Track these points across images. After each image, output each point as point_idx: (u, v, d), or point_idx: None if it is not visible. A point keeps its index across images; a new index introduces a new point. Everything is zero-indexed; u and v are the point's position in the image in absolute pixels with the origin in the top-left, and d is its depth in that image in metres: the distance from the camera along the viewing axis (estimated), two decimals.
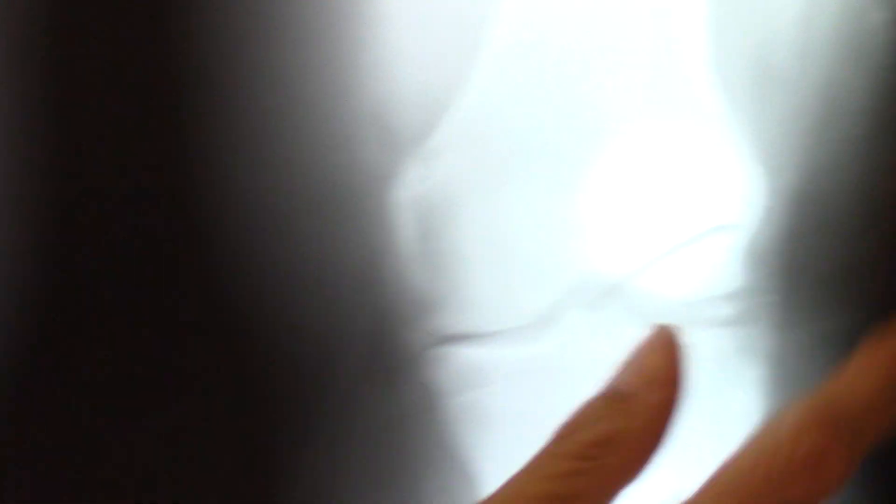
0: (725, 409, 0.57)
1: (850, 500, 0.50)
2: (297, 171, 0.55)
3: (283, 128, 0.54)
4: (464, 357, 0.58)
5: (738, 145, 0.55)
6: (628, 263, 0.56)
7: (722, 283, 0.57)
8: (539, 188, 0.55)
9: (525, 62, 0.54)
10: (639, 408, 0.29)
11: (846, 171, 0.55)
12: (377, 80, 0.54)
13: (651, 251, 0.56)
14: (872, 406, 0.29)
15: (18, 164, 0.55)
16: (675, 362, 0.31)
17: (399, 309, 0.57)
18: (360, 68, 0.54)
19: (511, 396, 0.58)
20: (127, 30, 0.54)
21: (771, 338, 0.58)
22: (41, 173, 0.55)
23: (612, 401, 0.30)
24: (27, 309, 0.57)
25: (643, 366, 0.31)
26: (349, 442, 0.59)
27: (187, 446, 0.59)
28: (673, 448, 0.54)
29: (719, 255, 0.57)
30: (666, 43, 0.53)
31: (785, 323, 0.58)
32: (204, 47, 0.53)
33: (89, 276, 0.57)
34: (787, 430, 0.28)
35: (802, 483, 0.26)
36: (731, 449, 0.53)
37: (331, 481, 0.61)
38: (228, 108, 0.54)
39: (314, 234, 0.56)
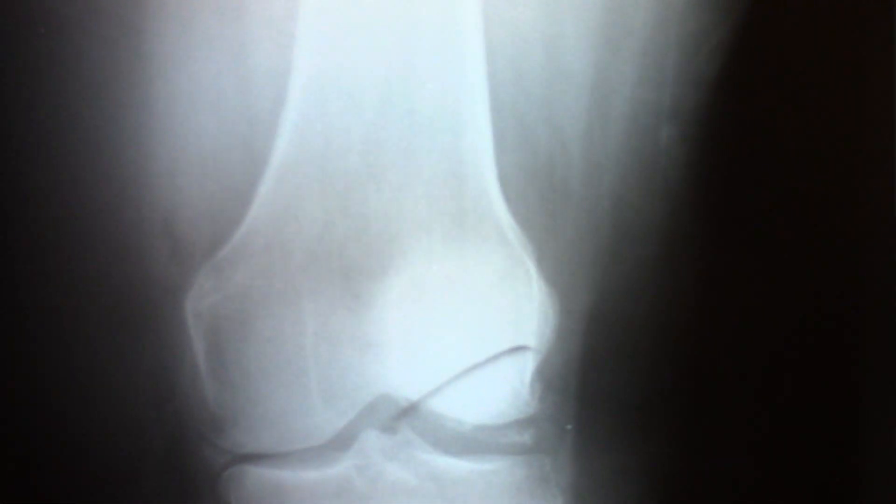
0: None
1: None
2: (86, 281, 0.55)
3: (72, 237, 0.55)
4: (261, 477, 0.58)
5: (530, 264, 0.55)
6: (422, 384, 0.56)
7: (517, 409, 0.57)
8: (333, 302, 0.55)
9: (316, 173, 0.55)
10: None
11: (638, 294, 0.55)
12: (167, 190, 0.55)
13: (444, 371, 0.56)
14: None
15: None
16: None
17: (193, 426, 0.57)
18: (148, 179, 0.55)
19: None
20: None
21: (568, 469, 0.58)
22: None
23: None
24: None
25: None
26: None
27: None
28: None
29: (513, 378, 0.56)
30: (456, 158, 0.54)
31: (582, 454, 0.58)
32: None
33: None
34: None
35: None
36: None
37: None
38: (16, 219, 0.55)
39: (104, 347, 0.56)
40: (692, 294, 0.55)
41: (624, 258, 0.55)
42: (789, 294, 0.55)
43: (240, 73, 0.52)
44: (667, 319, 0.56)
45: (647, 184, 0.55)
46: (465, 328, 0.56)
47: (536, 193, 0.55)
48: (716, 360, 0.56)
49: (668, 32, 0.53)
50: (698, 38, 0.53)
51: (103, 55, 0.52)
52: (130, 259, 0.55)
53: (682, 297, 0.56)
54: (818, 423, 0.56)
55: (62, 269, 0.55)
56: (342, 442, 0.57)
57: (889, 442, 0.54)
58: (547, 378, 0.56)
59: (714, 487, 0.57)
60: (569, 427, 0.57)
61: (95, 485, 0.57)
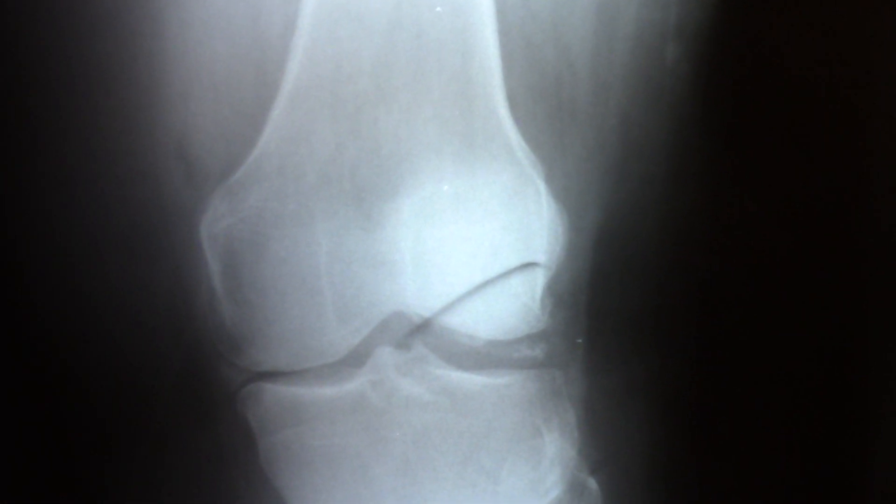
0: (537, 452, 0.66)
1: None
2: (102, 206, 0.63)
3: (87, 163, 0.63)
4: (277, 394, 0.66)
5: (539, 182, 0.63)
6: (434, 301, 0.64)
7: (528, 324, 0.65)
8: (345, 223, 0.63)
9: (327, 96, 0.62)
10: None
11: (647, 211, 0.63)
12: (180, 115, 0.62)
13: (456, 288, 0.64)
14: None
15: None
16: None
17: (210, 346, 0.65)
18: (162, 103, 0.62)
19: (325, 434, 0.66)
20: None
21: (580, 382, 0.66)
22: None
23: None
24: None
25: None
26: (165, 483, 0.67)
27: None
28: (486, 492, 0.66)
29: (524, 294, 0.65)
30: (464, 78, 0.62)
31: (593, 367, 0.66)
32: (5, 80, 0.62)
33: None
34: None
35: None
36: (546, 493, 0.65)
37: None
38: (32, 145, 0.63)
39: (121, 270, 0.64)
40: (699, 209, 0.63)
41: (632, 175, 0.63)
42: (797, 207, 0.62)
43: None
44: (675, 235, 0.63)
45: (653, 102, 0.62)
46: (476, 246, 0.63)
47: (544, 113, 0.62)
48: (724, 274, 0.64)
49: None
50: None
51: None
52: (145, 184, 0.62)
53: (689, 213, 0.63)
54: (827, 335, 0.64)
55: (76, 195, 0.62)
56: (357, 358, 0.65)
57: None
58: (557, 294, 0.65)
59: (724, 398, 0.65)
60: (579, 341, 0.65)
61: (114, 406, 0.65)
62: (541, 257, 0.64)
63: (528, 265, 0.64)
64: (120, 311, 0.64)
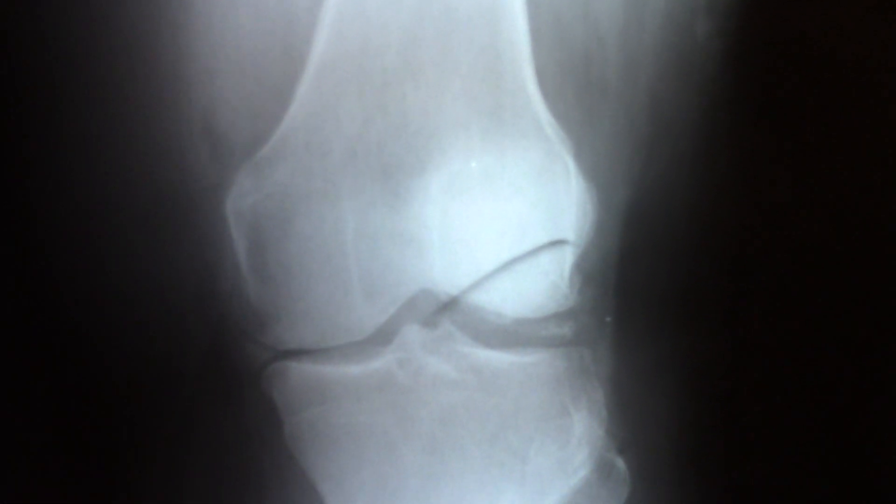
0: (565, 432, 0.68)
1: None
2: (126, 183, 0.64)
3: (111, 139, 0.64)
4: (303, 373, 0.67)
5: (568, 159, 0.64)
6: (462, 279, 0.65)
7: (556, 302, 0.66)
8: (372, 199, 0.64)
9: (355, 72, 0.63)
10: None
11: (677, 189, 0.64)
12: (206, 90, 0.63)
13: (484, 266, 0.65)
14: None
15: None
16: None
17: (235, 324, 0.66)
18: (188, 78, 0.63)
19: (352, 413, 0.68)
20: None
21: (608, 360, 0.67)
22: None
23: None
24: None
25: None
26: (190, 462, 0.69)
27: (23, 466, 0.68)
28: (514, 471, 0.67)
29: (552, 271, 0.66)
30: (493, 54, 0.63)
31: (622, 345, 0.67)
32: (31, 56, 0.63)
33: None
34: None
35: None
36: (574, 473, 0.65)
37: (172, 502, 0.70)
38: (56, 121, 0.64)
39: (146, 247, 0.65)
40: (729, 187, 0.64)
41: (662, 152, 0.63)
42: (829, 185, 0.63)
43: None
44: (704, 212, 0.64)
45: (683, 78, 0.63)
46: (504, 223, 0.64)
47: (573, 89, 0.63)
48: (753, 253, 0.65)
49: None
50: None
51: None
52: (171, 160, 0.63)
53: (719, 190, 0.64)
54: (860, 313, 0.65)
55: (102, 171, 0.63)
56: (383, 337, 0.66)
57: None
58: (586, 271, 0.66)
59: (752, 378, 0.67)
60: (608, 319, 0.66)
61: (139, 384, 0.67)
62: (570, 235, 0.65)
63: (556, 242, 0.65)
64: (144, 289, 0.65)
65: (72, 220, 0.64)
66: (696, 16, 0.62)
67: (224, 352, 0.66)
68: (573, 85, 0.64)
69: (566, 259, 0.66)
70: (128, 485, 0.68)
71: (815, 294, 0.64)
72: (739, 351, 0.66)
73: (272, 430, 0.68)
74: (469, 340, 0.66)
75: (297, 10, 0.62)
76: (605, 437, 0.68)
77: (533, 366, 0.67)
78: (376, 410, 0.67)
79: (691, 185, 0.64)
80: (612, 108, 0.64)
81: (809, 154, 0.63)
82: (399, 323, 0.66)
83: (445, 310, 0.66)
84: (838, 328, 0.64)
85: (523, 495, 0.68)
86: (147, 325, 0.66)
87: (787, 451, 0.66)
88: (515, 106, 0.63)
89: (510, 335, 0.66)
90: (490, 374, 0.67)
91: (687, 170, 0.64)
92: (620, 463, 0.68)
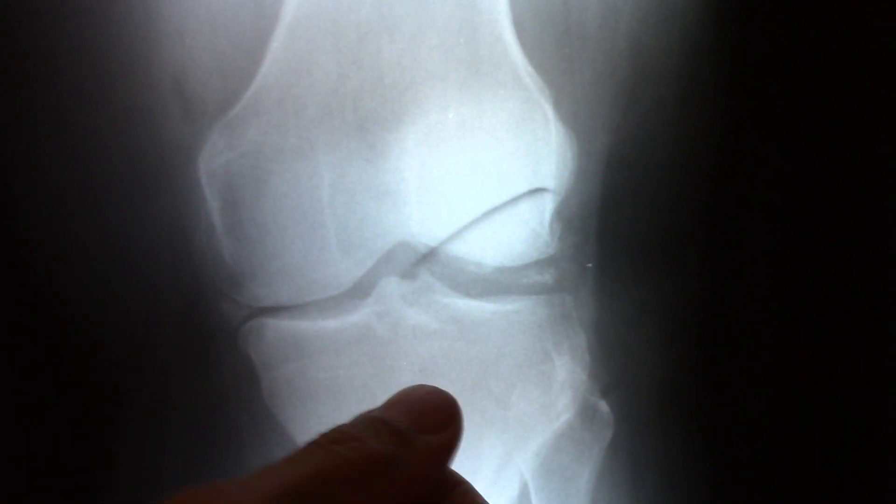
0: (548, 377, 0.75)
1: None
2: (98, 144, 0.70)
3: (81, 101, 0.70)
4: (281, 329, 0.74)
5: (547, 108, 0.71)
6: (441, 230, 0.72)
7: (537, 250, 0.74)
8: (348, 154, 0.71)
9: (329, 27, 0.68)
10: (418, 444, 0.34)
11: (658, 135, 0.72)
12: (176, 49, 0.69)
13: (463, 216, 0.72)
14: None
15: None
16: (452, 411, 0.41)
17: (210, 283, 0.73)
18: (158, 37, 0.69)
19: (330, 367, 0.75)
20: None
21: (590, 306, 0.75)
22: None
23: (384, 428, 0.35)
24: None
25: (417, 407, 0.37)
26: (169, 421, 0.76)
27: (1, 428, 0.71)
28: (496, 418, 0.77)
29: (532, 220, 0.73)
30: (469, 4, 0.69)
31: (603, 291, 0.75)
32: None
33: None
34: None
35: None
36: (556, 417, 0.74)
37: (151, 462, 0.76)
38: (26, 83, 0.69)
39: (118, 208, 0.71)
40: (711, 133, 0.70)
41: (641, 99, 0.70)
42: (810, 130, 0.69)
43: None
44: (685, 159, 0.70)
45: (663, 24, 0.69)
46: (483, 173, 0.70)
47: (552, 37, 0.69)
48: (734, 197, 0.71)
49: None
50: None
51: None
52: (142, 120, 0.69)
53: (700, 137, 0.70)
54: (842, 253, 0.71)
55: (73, 133, 0.69)
56: (361, 290, 0.73)
57: None
58: (566, 219, 0.72)
59: (733, 321, 0.74)
60: (589, 266, 0.73)
61: (115, 345, 0.73)
62: (549, 182, 0.71)
63: (536, 191, 0.71)
64: (118, 250, 0.71)
65: (43, 182, 0.70)
66: None
67: (200, 311, 0.73)
68: (552, 33, 0.69)
69: (546, 207, 0.71)
70: (107, 445, 0.74)
71: (798, 237, 0.70)
72: (721, 294, 0.72)
73: (250, 387, 0.74)
74: (448, 291, 0.72)
75: None
76: (587, 382, 0.75)
77: (514, 314, 0.73)
78: (355, 364, 0.73)
79: (672, 130, 0.70)
80: (592, 55, 0.69)
81: (793, 98, 0.69)
82: (377, 276, 0.73)
83: (424, 261, 0.72)
84: (822, 268, 0.71)
85: (506, 440, 0.74)
86: (121, 286, 0.71)
87: (770, 393, 0.74)
88: (493, 56, 0.69)
89: (490, 284, 0.72)
90: (471, 324, 0.73)
91: (667, 116, 0.70)
92: (604, 406, 0.75)
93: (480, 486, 0.67)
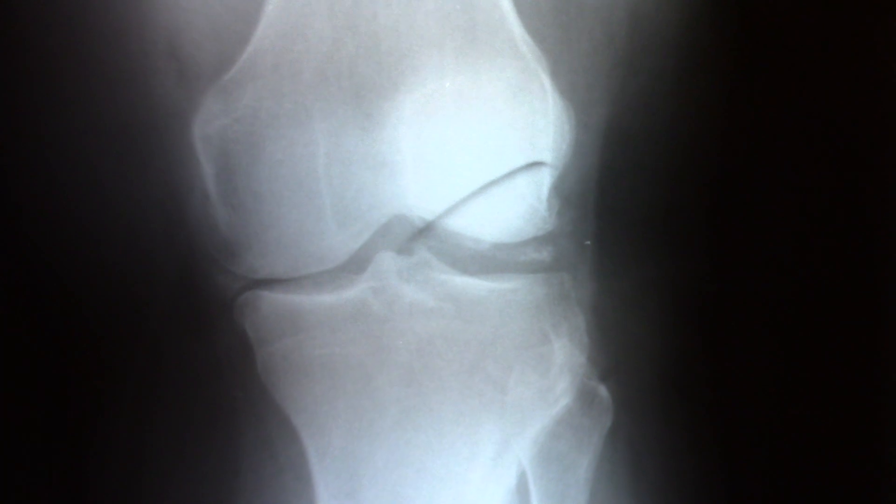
0: (546, 360, 0.75)
1: None
2: (91, 110, 0.70)
3: (75, 65, 0.70)
4: (276, 302, 0.74)
5: (544, 78, 0.71)
6: (437, 203, 0.72)
7: (534, 226, 0.73)
8: (344, 122, 0.71)
9: None
10: None
11: (657, 107, 0.71)
12: (171, 12, 0.69)
13: (460, 189, 0.72)
14: None
15: None
16: None
17: (205, 253, 0.73)
18: (152, 2, 0.69)
19: (326, 343, 0.75)
20: None
21: (589, 286, 0.74)
22: None
23: None
24: None
25: None
26: (161, 394, 0.76)
27: None
28: (494, 402, 0.76)
29: (530, 194, 0.73)
30: None
31: (602, 269, 0.74)
32: None
33: None
34: None
35: None
36: (555, 402, 0.73)
37: (141, 436, 0.76)
38: (19, 48, 0.70)
39: (112, 175, 0.72)
40: (711, 105, 0.70)
41: (640, 70, 0.70)
42: (813, 99, 0.69)
43: None
44: (685, 132, 0.70)
45: None
46: (480, 145, 0.70)
47: (550, 5, 0.69)
48: (736, 171, 0.71)
49: None
50: None
51: None
52: (136, 85, 0.69)
53: (700, 109, 0.70)
54: (844, 228, 0.71)
55: (67, 98, 0.69)
56: (357, 264, 0.72)
57: None
58: (564, 194, 0.72)
59: (736, 301, 0.73)
60: (588, 243, 0.72)
61: (108, 315, 0.73)
62: (547, 156, 0.71)
63: (533, 164, 0.71)
64: (111, 219, 0.71)
65: (37, 148, 0.70)
66: None
67: (194, 282, 0.73)
68: (549, 0, 0.69)
69: (544, 181, 0.71)
70: (99, 417, 0.75)
71: (801, 212, 0.70)
72: (723, 273, 0.72)
73: (244, 361, 0.74)
74: (445, 267, 0.72)
75: None
76: (586, 365, 0.74)
77: (512, 292, 0.73)
78: (351, 341, 0.73)
79: (671, 102, 0.70)
80: (590, 25, 0.69)
81: (793, 68, 0.68)
82: (373, 250, 0.72)
83: (420, 236, 0.72)
84: (827, 246, 0.70)
85: (503, 426, 0.74)
86: (115, 255, 0.71)
87: (773, 375, 0.73)
88: (490, 23, 0.69)
89: (488, 261, 0.72)
90: (468, 302, 0.73)
91: (667, 87, 0.69)
92: (603, 391, 0.75)
93: (477, 473, 0.72)
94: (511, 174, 0.71)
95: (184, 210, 0.72)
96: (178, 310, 0.73)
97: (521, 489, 0.75)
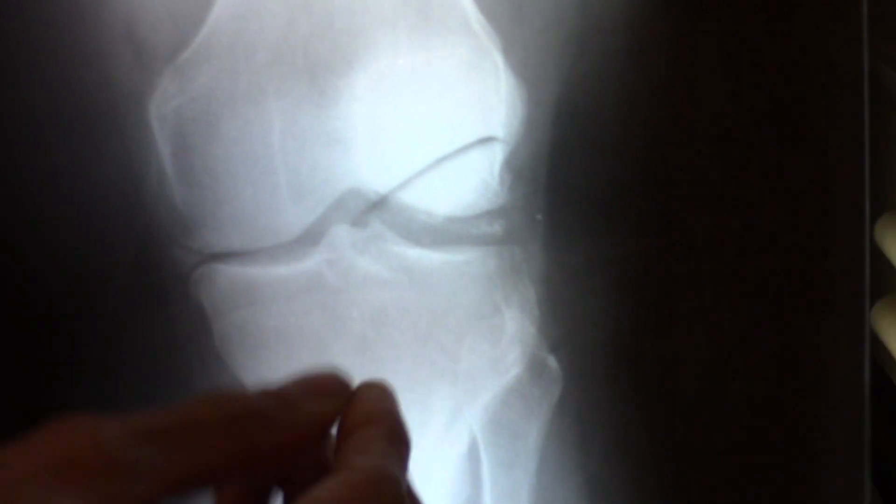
0: (497, 330, 0.78)
1: None
2: (48, 91, 0.72)
3: (30, 47, 0.71)
4: (231, 275, 0.77)
5: (497, 56, 0.73)
6: (391, 178, 0.75)
7: (487, 200, 0.76)
8: (299, 100, 0.73)
9: None
10: (297, 409, 0.36)
11: (608, 86, 0.74)
12: None
13: (413, 164, 0.75)
14: None
15: None
16: (341, 385, 0.44)
17: (161, 229, 0.75)
18: None
19: (281, 314, 0.77)
20: None
21: (540, 259, 0.77)
22: None
23: (270, 393, 0.40)
24: None
25: (309, 381, 0.42)
26: (119, 368, 0.78)
27: None
28: (446, 370, 0.80)
29: (482, 169, 0.75)
30: None
31: (553, 243, 0.77)
32: None
33: None
34: None
35: None
36: (505, 372, 0.77)
37: (103, 409, 0.74)
38: None
39: (69, 154, 0.74)
40: (662, 82, 0.72)
41: (593, 48, 0.71)
42: (765, 77, 0.71)
43: None
44: (636, 110, 0.72)
45: None
46: (433, 121, 0.72)
47: None
48: (684, 150, 0.73)
49: None
50: None
51: None
52: (92, 66, 0.70)
53: (652, 86, 0.72)
54: (791, 209, 0.74)
55: (22, 79, 0.71)
56: (312, 237, 0.75)
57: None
58: (516, 169, 0.74)
59: (685, 275, 0.76)
60: (539, 217, 0.75)
61: (65, 292, 0.75)
62: (499, 132, 0.73)
63: (486, 140, 0.74)
64: (68, 197, 0.73)
65: None
66: None
67: (151, 257, 0.74)
68: None
69: (496, 156, 0.74)
70: (57, 391, 0.76)
71: (749, 189, 0.73)
72: (672, 248, 0.74)
73: (201, 333, 0.76)
74: (399, 239, 0.75)
75: None
76: (537, 336, 0.77)
77: (464, 264, 0.75)
78: (306, 311, 0.76)
79: (623, 80, 0.72)
80: (542, 4, 0.71)
81: (745, 46, 0.71)
82: (327, 223, 0.75)
83: (374, 209, 0.74)
84: (776, 218, 0.73)
85: (455, 394, 0.77)
86: (72, 232, 0.73)
87: (718, 347, 0.76)
88: (443, 2, 0.71)
89: (441, 234, 0.75)
90: (421, 273, 0.75)
91: (618, 65, 0.72)
92: (553, 361, 0.78)
93: (430, 439, 0.75)
94: (463, 149, 0.74)
95: (140, 188, 0.74)
96: (136, 285, 0.75)
97: (473, 455, 0.78)
